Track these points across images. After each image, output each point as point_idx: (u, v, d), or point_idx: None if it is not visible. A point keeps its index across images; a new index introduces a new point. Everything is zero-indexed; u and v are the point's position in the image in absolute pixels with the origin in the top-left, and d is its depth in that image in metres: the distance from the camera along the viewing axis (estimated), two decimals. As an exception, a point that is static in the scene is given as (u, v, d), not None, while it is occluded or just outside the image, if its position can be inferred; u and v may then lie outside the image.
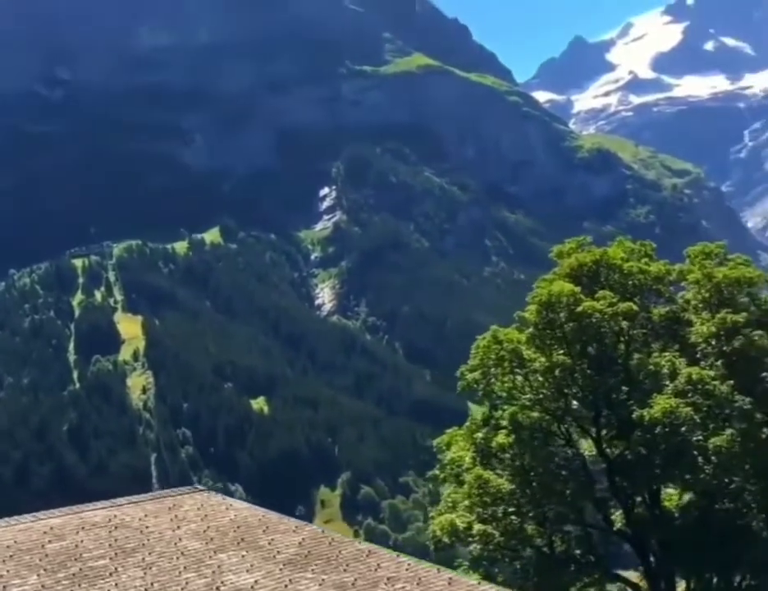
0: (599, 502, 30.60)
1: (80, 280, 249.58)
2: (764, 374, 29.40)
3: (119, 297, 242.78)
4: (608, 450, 30.06)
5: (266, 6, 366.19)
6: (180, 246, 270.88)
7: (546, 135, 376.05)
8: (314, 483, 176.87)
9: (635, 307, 29.76)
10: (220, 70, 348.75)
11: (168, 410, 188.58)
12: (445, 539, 30.01)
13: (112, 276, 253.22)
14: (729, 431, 27.77)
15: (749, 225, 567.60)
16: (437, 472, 33.06)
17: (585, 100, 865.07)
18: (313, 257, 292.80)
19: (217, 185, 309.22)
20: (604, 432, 30.14)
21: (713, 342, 29.71)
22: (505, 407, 30.58)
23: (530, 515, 29.97)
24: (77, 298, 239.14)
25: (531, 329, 30.48)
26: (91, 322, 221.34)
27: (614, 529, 31.01)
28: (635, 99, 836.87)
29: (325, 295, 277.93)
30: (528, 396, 29.89)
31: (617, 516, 31.18)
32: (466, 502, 30.26)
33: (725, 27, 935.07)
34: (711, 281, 30.75)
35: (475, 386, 30.73)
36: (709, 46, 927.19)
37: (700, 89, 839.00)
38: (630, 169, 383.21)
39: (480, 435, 30.67)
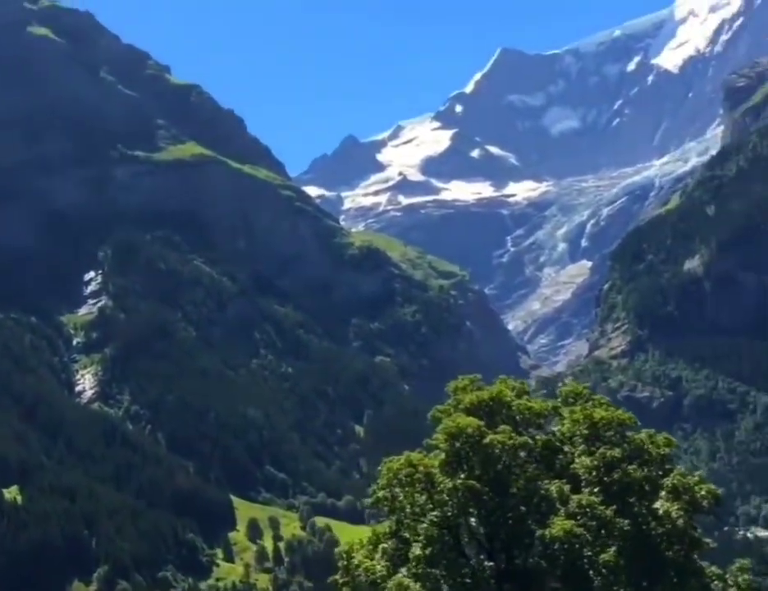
0: None
1: None
2: (632, 499, 35.41)
3: None
4: (501, 562, 35.32)
5: (38, 84, 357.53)
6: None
7: (317, 230, 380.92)
8: (68, 578, 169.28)
9: (529, 440, 35.74)
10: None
11: None
12: None
13: None
14: (613, 548, 33.83)
15: (510, 327, 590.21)
16: (338, 578, 37.16)
17: (355, 198, 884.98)
18: (75, 342, 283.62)
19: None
20: (498, 546, 35.44)
21: (593, 473, 35.63)
22: (407, 522, 35.55)
23: None
24: None
25: (443, 456, 35.73)
26: None
27: None
28: (404, 200, 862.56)
29: (86, 381, 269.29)
30: (435, 512, 34.76)
31: None
32: None
33: (491, 136, 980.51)
34: (590, 420, 36.52)
35: (385, 502, 36.14)
36: (475, 153, 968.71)
37: (466, 194, 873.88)
38: (398, 268, 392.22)
39: (387, 546, 35.88)
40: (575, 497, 34.42)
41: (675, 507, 35.32)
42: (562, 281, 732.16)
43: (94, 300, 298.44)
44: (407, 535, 35.46)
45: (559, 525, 33.40)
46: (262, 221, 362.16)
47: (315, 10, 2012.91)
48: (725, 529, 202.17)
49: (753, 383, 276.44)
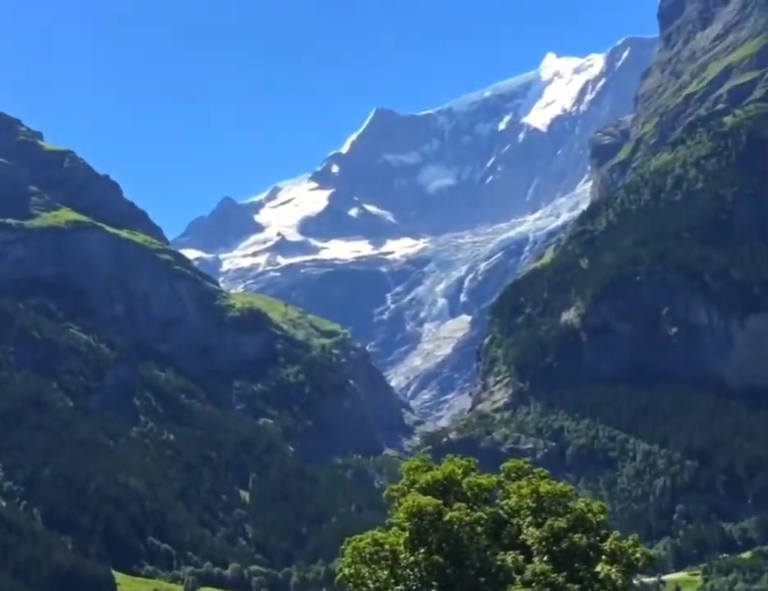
0: None
1: None
2: (577, 565, 38.67)
3: None
4: None
5: None
6: None
7: (196, 293, 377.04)
8: None
9: (484, 515, 38.99)
10: None
11: None
12: None
13: None
14: None
15: (393, 384, 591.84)
16: None
17: (234, 259, 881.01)
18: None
19: None
20: None
21: (543, 543, 38.92)
22: None
23: None
24: None
25: (407, 534, 38.61)
26: None
27: None
28: (283, 260, 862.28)
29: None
30: (399, 587, 37.86)
31: None
32: None
33: (368, 195, 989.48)
34: (537, 493, 40.11)
35: (350, 578, 38.74)
36: (353, 212, 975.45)
37: (345, 253, 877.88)
38: (280, 329, 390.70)
39: None
40: (529, 566, 38.03)
41: (614, 570, 38.79)
42: (443, 336, 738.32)
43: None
44: None
45: None
46: (141, 285, 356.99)
47: (187, 72, 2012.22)
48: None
49: (632, 431, 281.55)
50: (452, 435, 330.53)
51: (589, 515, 40.10)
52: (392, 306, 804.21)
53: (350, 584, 38.94)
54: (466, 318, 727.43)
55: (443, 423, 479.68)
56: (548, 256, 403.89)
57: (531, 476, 41.79)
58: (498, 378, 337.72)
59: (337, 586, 40.39)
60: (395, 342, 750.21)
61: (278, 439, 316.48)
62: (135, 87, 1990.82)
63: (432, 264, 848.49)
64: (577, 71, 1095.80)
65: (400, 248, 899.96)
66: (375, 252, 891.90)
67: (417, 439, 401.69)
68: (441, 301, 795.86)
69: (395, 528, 39.43)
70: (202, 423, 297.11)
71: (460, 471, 41.07)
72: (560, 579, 37.59)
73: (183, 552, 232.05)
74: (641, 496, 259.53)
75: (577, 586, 37.89)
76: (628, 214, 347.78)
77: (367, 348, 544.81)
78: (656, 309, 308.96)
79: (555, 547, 38.81)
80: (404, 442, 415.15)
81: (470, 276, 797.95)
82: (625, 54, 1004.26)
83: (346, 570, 38.81)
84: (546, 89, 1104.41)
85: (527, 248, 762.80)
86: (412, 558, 37.86)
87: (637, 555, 39.62)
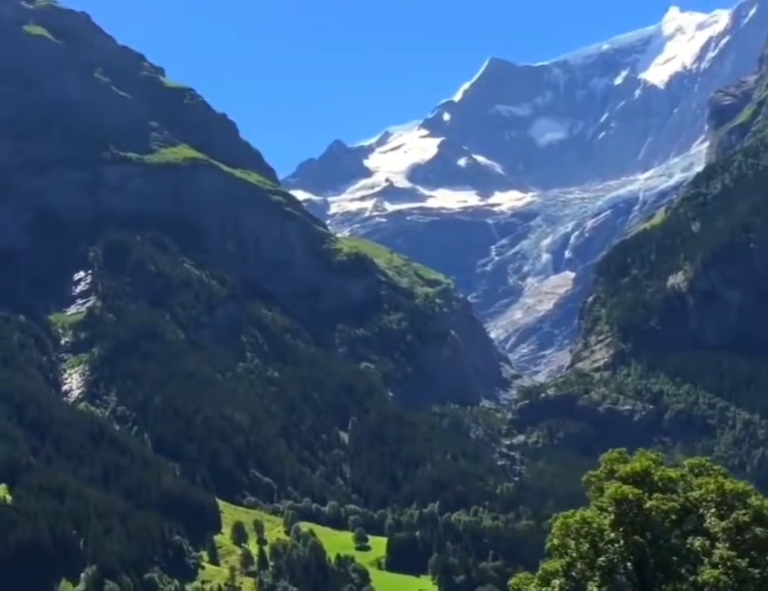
0: None
1: None
2: (754, 552, 43.66)
3: None
4: None
5: (32, 84, 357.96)
6: None
7: (305, 235, 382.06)
8: (56, 578, 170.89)
9: (676, 505, 44.54)
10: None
11: None
12: None
13: None
14: None
15: (492, 336, 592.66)
16: None
17: (341, 203, 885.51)
18: (63, 341, 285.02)
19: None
20: (652, 589, 44.02)
21: (727, 532, 44.15)
22: (576, 564, 44.12)
23: None
24: None
25: (612, 517, 44.41)
26: None
27: None
28: (389, 206, 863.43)
29: (73, 381, 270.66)
30: (601, 558, 43.63)
31: None
32: None
33: (478, 145, 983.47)
34: (722, 489, 45.23)
35: (559, 548, 44.47)
36: (462, 162, 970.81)
37: (451, 203, 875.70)
38: (385, 275, 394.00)
39: (560, 582, 44.39)
40: (716, 551, 43.70)
41: None
42: (545, 292, 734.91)
43: (83, 300, 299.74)
44: (574, 574, 44.33)
45: (708, 573, 42.56)
46: (252, 225, 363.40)
47: (307, 17, 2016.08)
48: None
49: (733, 399, 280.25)
50: (550, 391, 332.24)
51: (764, 511, 45.33)
52: (496, 258, 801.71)
53: (557, 553, 44.94)
54: (569, 275, 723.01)
55: (540, 378, 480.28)
56: (658, 217, 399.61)
57: (712, 472, 47.15)
58: (600, 338, 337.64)
59: (546, 554, 46.53)
60: (496, 294, 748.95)
61: (378, 384, 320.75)
62: (254, 26, 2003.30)
63: (538, 218, 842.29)
64: (700, 26, 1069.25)
65: (507, 200, 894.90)
66: (482, 203, 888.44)
67: (514, 393, 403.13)
68: (546, 256, 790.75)
69: (593, 508, 45.24)
70: (305, 363, 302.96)
71: (653, 464, 46.68)
72: (743, 565, 43.08)
73: (283, 486, 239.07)
74: (738, 465, 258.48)
75: (757, 571, 43.34)
76: (744, 179, 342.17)
77: (468, 299, 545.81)
78: (767, 278, 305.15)
79: (737, 537, 44.26)
80: (500, 394, 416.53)
81: (576, 232, 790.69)
82: (753, 11, 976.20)
83: (555, 541, 44.88)
84: (666, 44, 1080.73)
85: (636, 207, 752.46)
86: (613, 535, 43.82)
87: None
